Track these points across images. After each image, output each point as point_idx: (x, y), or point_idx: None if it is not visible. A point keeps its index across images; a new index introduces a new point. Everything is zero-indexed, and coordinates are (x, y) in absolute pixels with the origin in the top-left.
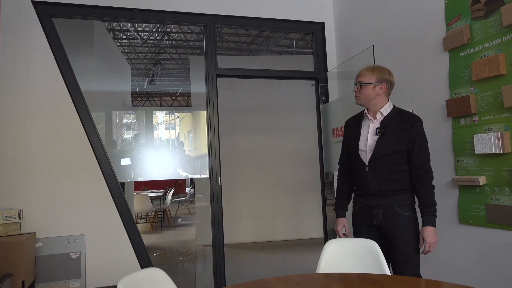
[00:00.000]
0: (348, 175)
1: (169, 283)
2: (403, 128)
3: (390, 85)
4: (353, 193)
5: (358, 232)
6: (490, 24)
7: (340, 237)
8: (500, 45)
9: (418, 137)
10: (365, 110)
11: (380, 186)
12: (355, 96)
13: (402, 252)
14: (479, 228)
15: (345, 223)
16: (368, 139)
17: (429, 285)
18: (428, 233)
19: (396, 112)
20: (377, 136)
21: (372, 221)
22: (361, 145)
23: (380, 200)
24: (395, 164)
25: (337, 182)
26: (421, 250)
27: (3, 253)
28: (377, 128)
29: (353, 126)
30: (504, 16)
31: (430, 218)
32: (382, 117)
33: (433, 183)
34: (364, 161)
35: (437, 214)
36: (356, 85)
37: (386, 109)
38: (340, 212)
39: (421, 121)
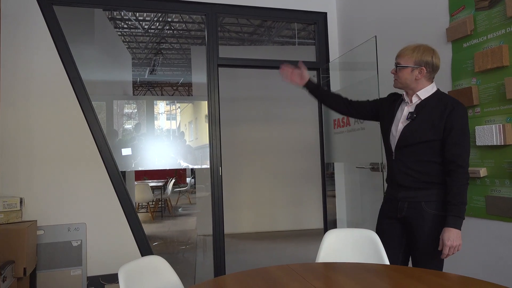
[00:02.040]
0: (344, 101)
1: (170, 270)
2: (438, 115)
3: (433, 68)
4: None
5: (380, 222)
6: (494, 15)
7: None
8: (504, 36)
9: (456, 128)
10: (404, 92)
11: (406, 177)
12: (394, 78)
13: (421, 252)
14: (479, 219)
15: (297, 72)
16: (399, 123)
17: (426, 275)
18: (447, 235)
19: (436, 97)
20: (408, 122)
21: (395, 213)
22: (393, 129)
23: (407, 193)
24: (425, 155)
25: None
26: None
27: (4, 240)
28: (409, 113)
29: (392, 104)
30: (509, 7)
31: (453, 219)
32: (419, 101)
33: None
34: (392, 148)
35: (464, 215)
36: (395, 66)
37: (426, 92)
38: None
39: (463, 108)
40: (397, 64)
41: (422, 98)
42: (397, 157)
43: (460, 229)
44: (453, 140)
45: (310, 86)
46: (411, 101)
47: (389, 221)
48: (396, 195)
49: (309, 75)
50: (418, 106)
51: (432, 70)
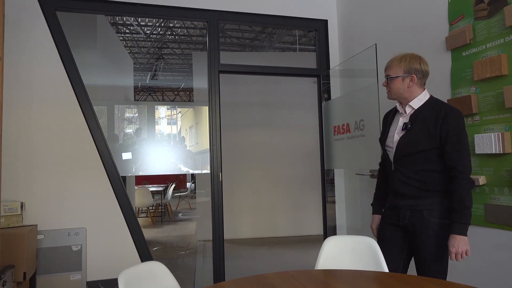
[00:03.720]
0: (385, 170)
1: (169, 276)
2: (433, 123)
3: (422, 74)
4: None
5: (383, 228)
6: (493, 24)
7: (374, 235)
8: (503, 46)
9: (451, 134)
10: (397, 103)
11: (406, 186)
12: (386, 91)
13: (425, 259)
14: (477, 227)
15: (378, 221)
16: (395, 135)
17: (426, 283)
18: (452, 242)
19: (430, 104)
20: (403, 133)
21: (398, 221)
22: (388, 142)
23: (408, 201)
24: (423, 164)
25: (377, 177)
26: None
27: (5, 244)
28: (404, 123)
29: (386, 120)
30: (507, 17)
31: (457, 226)
32: (412, 111)
33: None
34: (391, 159)
35: (469, 221)
36: (386, 79)
37: (418, 101)
38: (374, 208)
39: (457, 113)
40: (387, 76)
41: (416, 107)
42: (396, 168)
43: (465, 235)
44: (451, 147)
45: (382, 210)
46: (405, 112)
47: (392, 227)
48: (398, 203)
49: (378, 218)
50: (412, 116)
51: (422, 76)
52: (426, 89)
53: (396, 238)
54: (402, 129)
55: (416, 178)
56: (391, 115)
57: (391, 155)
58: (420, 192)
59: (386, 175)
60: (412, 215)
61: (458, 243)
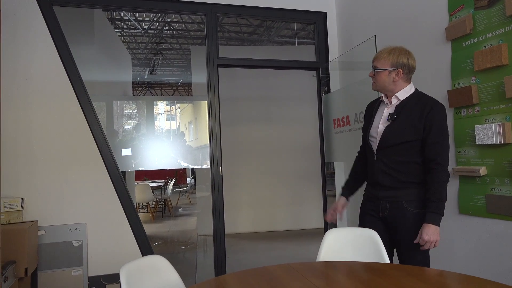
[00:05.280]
0: (362, 160)
1: (171, 270)
2: (418, 115)
3: (409, 69)
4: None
5: (363, 220)
6: (494, 14)
7: (326, 216)
8: (503, 35)
9: (434, 127)
10: (382, 94)
11: (387, 177)
12: (372, 81)
13: (405, 248)
14: (479, 218)
15: (341, 203)
16: (379, 125)
17: (427, 273)
18: (425, 230)
19: (415, 97)
20: (388, 123)
21: (378, 212)
22: (372, 132)
23: (388, 192)
24: (405, 155)
25: (353, 164)
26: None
27: (6, 240)
28: (389, 114)
29: (370, 111)
30: (508, 6)
31: (431, 215)
32: (398, 102)
33: None
34: (373, 149)
35: (443, 212)
36: (372, 69)
37: (404, 93)
38: (343, 191)
39: (441, 107)
40: (374, 67)
41: (401, 99)
42: (378, 158)
43: (438, 225)
44: (433, 139)
45: (349, 196)
46: (391, 103)
47: (371, 218)
48: (377, 194)
49: (343, 200)
50: (398, 107)
51: (408, 71)
52: (412, 83)
53: (377, 228)
54: (388, 120)
55: (397, 169)
56: (376, 105)
57: (374, 145)
58: (400, 183)
59: (362, 164)
60: (392, 207)
61: (431, 232)
